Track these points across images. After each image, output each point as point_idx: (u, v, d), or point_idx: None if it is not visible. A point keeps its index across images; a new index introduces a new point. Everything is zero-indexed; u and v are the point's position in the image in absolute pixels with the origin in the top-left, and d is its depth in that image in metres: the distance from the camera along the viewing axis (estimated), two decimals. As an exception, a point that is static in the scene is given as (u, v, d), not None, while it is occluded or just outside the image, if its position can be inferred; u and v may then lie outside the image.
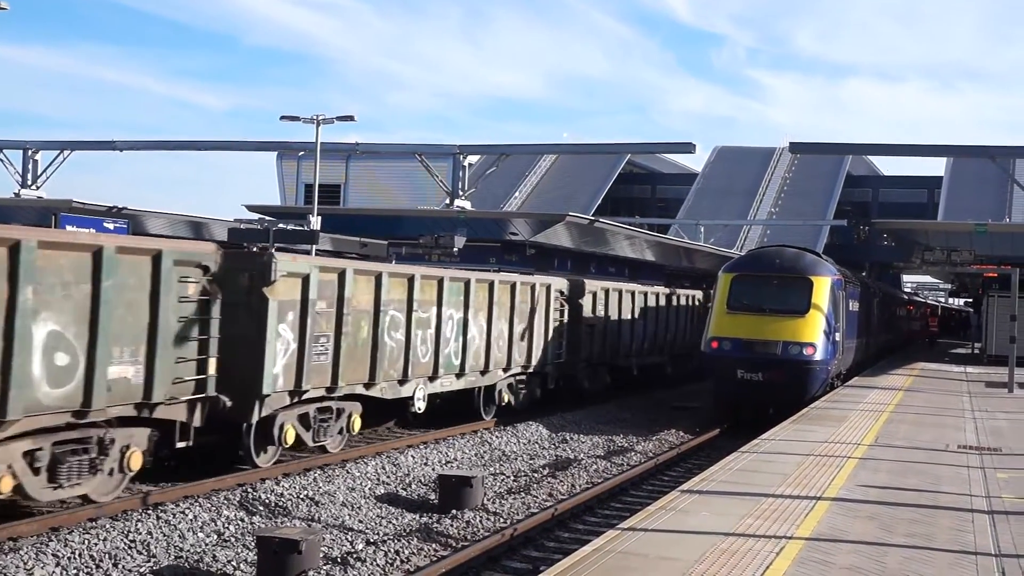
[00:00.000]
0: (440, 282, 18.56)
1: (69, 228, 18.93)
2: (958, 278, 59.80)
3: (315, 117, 37.18)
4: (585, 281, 25.70)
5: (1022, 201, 61.36)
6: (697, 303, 33.61)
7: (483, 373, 20.34)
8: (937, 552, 9.04)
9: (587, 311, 24.89)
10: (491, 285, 20.41)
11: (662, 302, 30.25)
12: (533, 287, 22.41)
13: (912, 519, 10.37)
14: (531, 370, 22.42)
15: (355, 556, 10.81)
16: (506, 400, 21.44)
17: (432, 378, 18.48)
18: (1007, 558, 8.98)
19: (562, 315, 23.85)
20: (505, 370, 21.23)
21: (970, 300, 74.82)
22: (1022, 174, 58.92)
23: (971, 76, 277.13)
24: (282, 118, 37.75)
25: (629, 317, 27.58)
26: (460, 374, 19.41)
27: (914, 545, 9.25)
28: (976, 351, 47.63)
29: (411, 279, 17.67)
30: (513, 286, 21.40)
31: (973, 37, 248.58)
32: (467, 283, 19.50)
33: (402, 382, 17.49)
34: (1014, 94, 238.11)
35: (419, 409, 18.11)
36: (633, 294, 28.15)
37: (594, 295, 25.42)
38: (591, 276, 32.46)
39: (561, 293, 23.93)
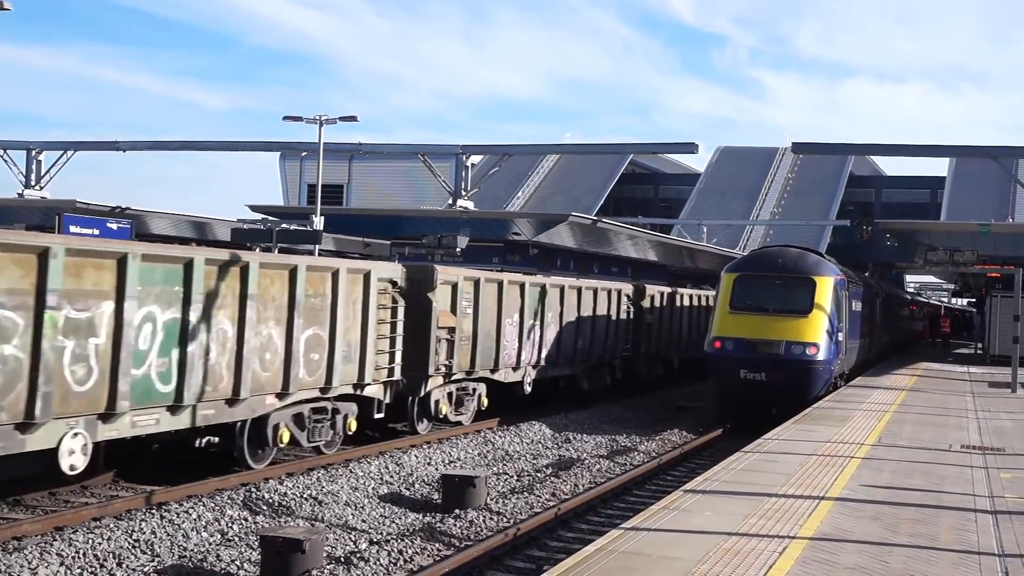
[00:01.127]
0: (121, 262, 11.83)
1: (73, 229, 18.93)
2: (961, 278, 59.79)
3: (318, 117, 37.22)
4: (436, 268, 18.84)
5: (1025, 201, 61.29)
6: (627, 299, 27.57)
7: (232, 402, 13.65)
8: (941, 552, 9.04)
9: (444, 309, 18.74)
10: (244, 270, 13.70)
11: (572, 299, 24.17)
12: (335, 275, 15.64)
13: (916, 519, 10.37)
14: (333, 394, 15.85)
15: (358, 555, 10.83)
16: (287, 438, 14.99)
17: (107, 416, 11.72)
18: (1010, 558, 8.99)
19: (395, 315, 17.42)
20: (281, 396, 14.64)
21: (973, 300, 74.82)
22: (1025, 174, 58.86)
23: (971, 77, 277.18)
24: (285, 118, 37.80)
25: (518, 319, 21.47)
26: (177, 405, 12.73)
27: (918, 545, 9.25)
28: (979, 351, 47.60)
29: (43, 255, 10.87)
30: (293, 272, 14.66)
31: (972, 38, 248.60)
32: (188, 265, 12.84)
33: (26, 426, 10.78)
34: (1015, 95, 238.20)
35: (70, 468, 11.33)
36: (523, 287, 21.70)
37: (454, 288, 19.05)
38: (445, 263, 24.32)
39: (393, 284, 17.39)
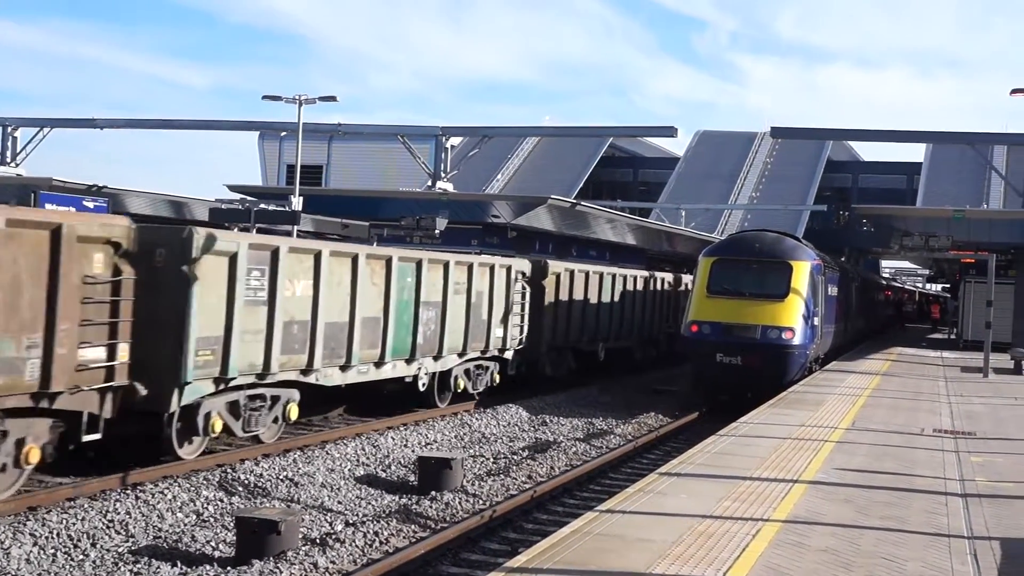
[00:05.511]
0: (418, 264, 18.35)
1: (49, 207, 18.77)
2: (936, 264, 60.26)
3: (297, 97, 37.04)
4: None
5: (999, 188, 61.76)
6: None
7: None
8: (911, 534, 9.15)
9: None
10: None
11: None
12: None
13: (887, 502, 10.48)
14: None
15: (334, 537, 10.83)
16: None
17: (378, 364, 17.48)
18: (979, 540, 9.10)
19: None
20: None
21: (947, 285, 75.46)
22: (1000, 161, 59.39)
23: (950, 63, 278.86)
24: (264, 98, 37.66)
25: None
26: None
27: (889, 527, 9.35)
28: (952, 336, 48.03)
29: (420, 264, 18.21)
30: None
31: (951, 25, 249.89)
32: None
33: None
34: (991, 81, 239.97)
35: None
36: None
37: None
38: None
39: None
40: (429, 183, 43.21)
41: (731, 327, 22.07)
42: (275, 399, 14.84)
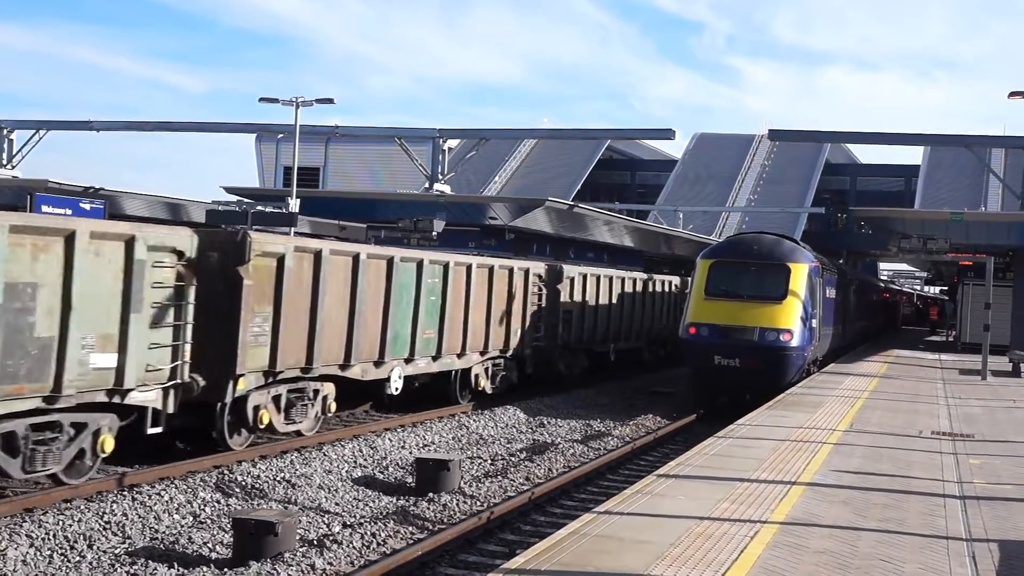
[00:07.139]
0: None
1: (45, 209, 18.73)
2: (934, 266, 60.27)
3: (294, 99, 37.06)
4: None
5: (997, 190, 61.79)
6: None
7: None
8: (909, 536, 9.13)
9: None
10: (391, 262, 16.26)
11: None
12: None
13: (885, 504, 10.46)
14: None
15: (331, 538, 10.81)
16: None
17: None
18: (977, 542, 9.09)
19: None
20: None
21: (945, 288, 75.55)
22: (998, 163, 59.44)
23: (945, 66, 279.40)
24: (261, 100, 37.77)
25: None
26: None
27: (886, 529, 9.34)
28: (950, 339, 48.06)
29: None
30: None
31: (946, 26, 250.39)
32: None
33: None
34: (987, 84, 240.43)
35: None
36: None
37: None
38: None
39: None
40: (426, 185, 43.19)
41: (729, 329, 22.05)
42: None
